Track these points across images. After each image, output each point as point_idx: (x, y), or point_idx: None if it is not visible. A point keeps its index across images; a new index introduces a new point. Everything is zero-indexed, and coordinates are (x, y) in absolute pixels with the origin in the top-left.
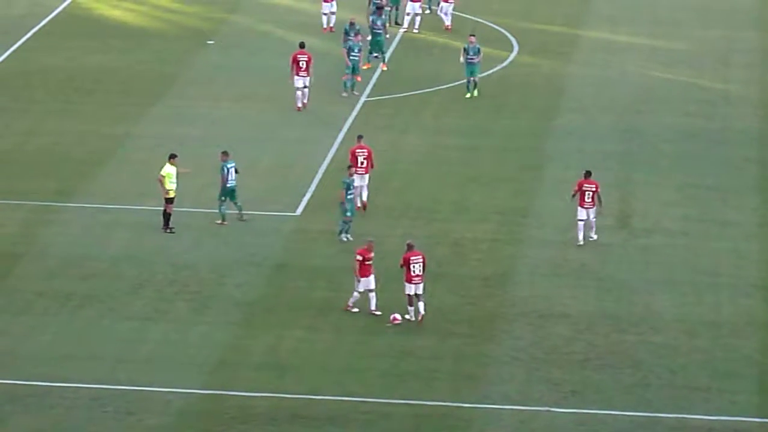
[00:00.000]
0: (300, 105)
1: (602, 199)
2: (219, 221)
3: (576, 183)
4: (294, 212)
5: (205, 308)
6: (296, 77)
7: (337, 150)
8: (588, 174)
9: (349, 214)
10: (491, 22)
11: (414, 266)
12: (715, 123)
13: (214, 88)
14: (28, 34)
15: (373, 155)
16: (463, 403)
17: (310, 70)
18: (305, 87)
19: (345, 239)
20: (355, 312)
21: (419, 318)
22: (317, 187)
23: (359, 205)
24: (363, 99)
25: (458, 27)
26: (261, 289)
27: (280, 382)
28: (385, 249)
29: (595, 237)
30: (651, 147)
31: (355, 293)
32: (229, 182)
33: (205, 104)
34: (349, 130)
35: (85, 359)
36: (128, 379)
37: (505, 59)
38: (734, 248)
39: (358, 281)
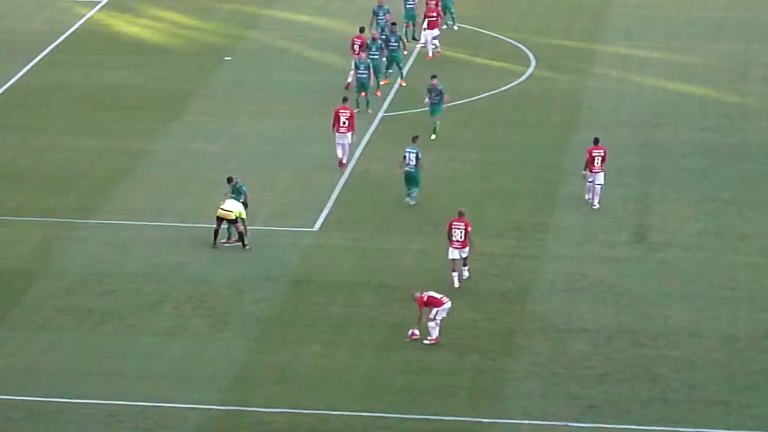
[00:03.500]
0: (350, 80)
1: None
2: (223, 240)
3: (586, 150)
4: (312, 228)
5: (223, 324)
6: (353, 58)
7: (355, 165)
8: (596, 140)
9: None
10: (509, 37)
11: (455, 231)
12: (731, 137)
13: (231, 104)
14: (46, 51)
15: (354, 117)
16: (481, 418)
17: (362, 54)
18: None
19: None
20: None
21: (458, 284)
22: (335, 202)
23: (344, 161)
24: (381, 114)
25: (476, 42)
26: (279, 305)
27: (298, 397)
28: (403, 264)
29: (597, 206)
30: (668, 161)
31: (430, 324)
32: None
33: (223, 120)
34: (366, 145)
35: (103, 375)
36: (146, 395)
37: (523, 74)
38: (752, 262)
39: (434, 312)
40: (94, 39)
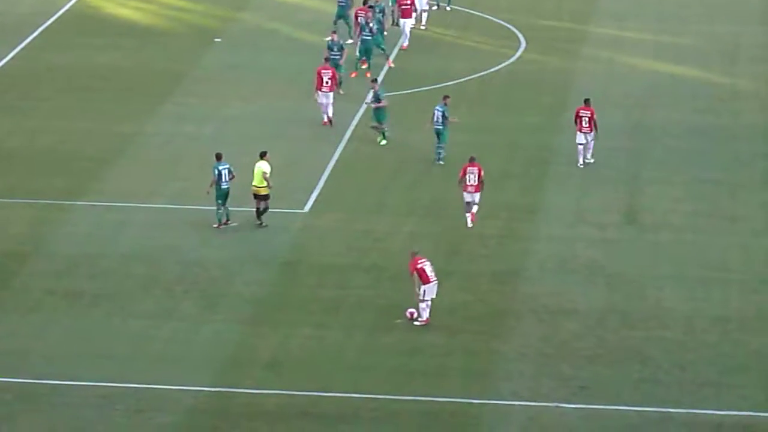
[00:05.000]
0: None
1: (597, 125)
2: (215, 225)
3: (574, 111)
4: (302, 209)
5: (214, 306)
6: (355, 32)
7: (345, 147)
8: (586, 101)
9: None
10: (499, 18)
11: (469, 176)
12: (723, 118)
13: (222, 86)
14: (36, 32)
15: (337, 76)
16: (472, 399)
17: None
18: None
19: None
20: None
21: (471, 219)
22: (325, 184)
23: (325, 120)
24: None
25: (467, 23)
26: (270, 287)
27: (289, 379)
28: (394, 247)
29: (592, 160)
30: (659, 143)
31: (421, 305)
32: (223, 184)
33: (214, 102)
34: (356, 126)
35: (94, 357)
36: (138, 377)
37: (513, 55)
38: (743, 243)
39: (422, 290)
40: (85, 21)
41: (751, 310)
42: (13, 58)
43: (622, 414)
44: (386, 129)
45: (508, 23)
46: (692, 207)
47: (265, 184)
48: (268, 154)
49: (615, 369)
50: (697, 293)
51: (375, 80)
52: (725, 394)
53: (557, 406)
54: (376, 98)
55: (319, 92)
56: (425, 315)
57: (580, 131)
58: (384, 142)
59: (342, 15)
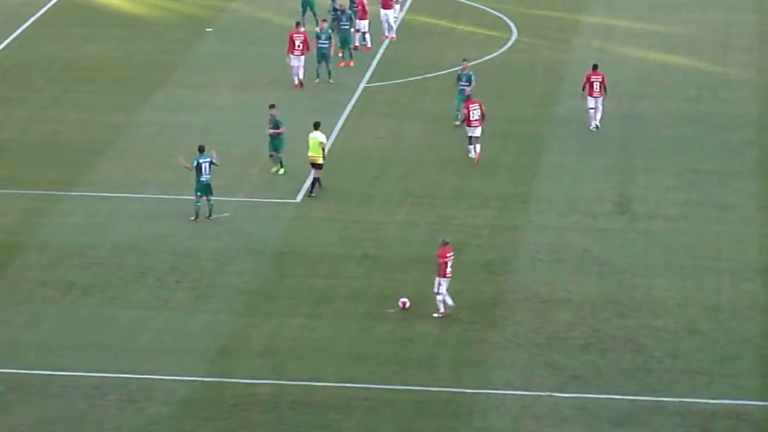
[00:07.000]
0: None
1: (607, 89)
2: (192, 217)
3: (585, 76)
4: (294, 199)
5: (206, 296)
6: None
7: (337, 137)
8: (595, 66)
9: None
10: (490, 8)
11: (473, 112)
12: (714, 107)
13: (214, 75)
14: (28, 23)
15: (308, 40)
16: (464, 389)
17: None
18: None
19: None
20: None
21: (476, 157)
22: None
23: (296, 83)
24: (362, 86)
25: (458, 13)
26: (262, 277)
27: (282, 369)
28: (385, 235)
29: (599, 125)
30: (651, 132)
31: (437, 297)
32: (203, 177)
33: (206, 92)
34: (348, 117)
35: (87, 348)
36: (130, 367)
37: (504, 44)
38: (734, 232)
39: (437, 282)
40: (76, 11)
41: (744, 298)
42: (4, 48)
43: (614, 403)
44: (283, 157)
45: (500, 12)
46: (684, 196)
47: (321, 153)
48: (321, 125)
49: (607, 358)
50: (689, 282)
51: (272, 106)
52: (718, 382)
53: (550, 396)
54: (275, 125)
55: (291, 55)
56: (443, 307)
57: (591, 96)
58: (282, 171)
59: (309, 4)
